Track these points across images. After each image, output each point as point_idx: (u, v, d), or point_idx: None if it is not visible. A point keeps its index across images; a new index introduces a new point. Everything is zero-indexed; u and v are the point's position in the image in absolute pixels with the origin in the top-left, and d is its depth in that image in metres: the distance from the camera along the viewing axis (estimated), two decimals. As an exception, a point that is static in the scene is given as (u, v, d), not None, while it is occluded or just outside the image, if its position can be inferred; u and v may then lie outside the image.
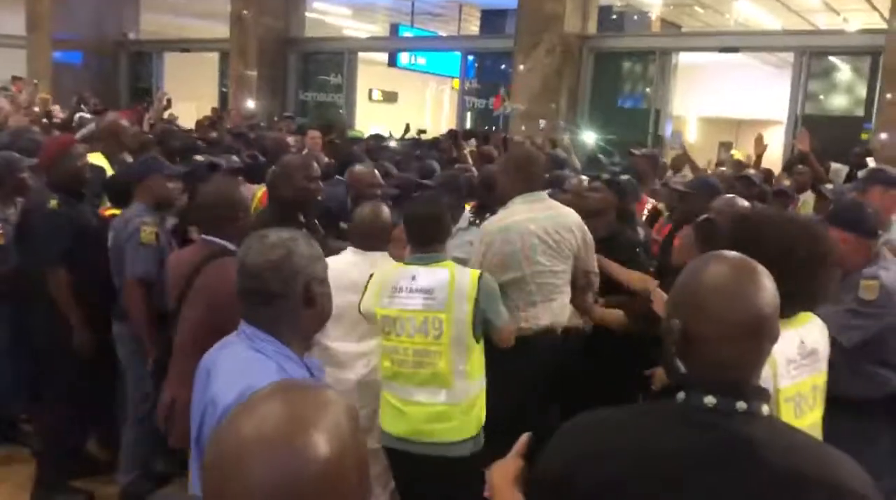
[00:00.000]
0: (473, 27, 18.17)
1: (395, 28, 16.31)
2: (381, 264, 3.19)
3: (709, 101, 19.22)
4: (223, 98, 15.16)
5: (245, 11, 14.06)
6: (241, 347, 1.80)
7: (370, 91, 19.67)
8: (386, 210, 3.39)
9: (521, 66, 11.38)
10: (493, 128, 12.04)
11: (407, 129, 13.64)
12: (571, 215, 3.55)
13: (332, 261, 3.35)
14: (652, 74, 11.48)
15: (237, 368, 1.75)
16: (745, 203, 3.55)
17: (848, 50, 9.99)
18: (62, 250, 3.75)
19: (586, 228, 3.54)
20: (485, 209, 4.07)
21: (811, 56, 10.13)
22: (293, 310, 1.79)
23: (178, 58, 16.66)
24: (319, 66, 14.83)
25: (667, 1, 15.39)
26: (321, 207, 4.28)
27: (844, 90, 10.06)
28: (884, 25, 13.71)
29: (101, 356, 3.84)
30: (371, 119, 16.86)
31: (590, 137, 9.80)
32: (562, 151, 8.29)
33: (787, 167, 9.80)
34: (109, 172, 5.02)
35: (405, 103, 22.71)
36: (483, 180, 4.37)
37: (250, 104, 13.87)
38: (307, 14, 15.38)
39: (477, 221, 4.03)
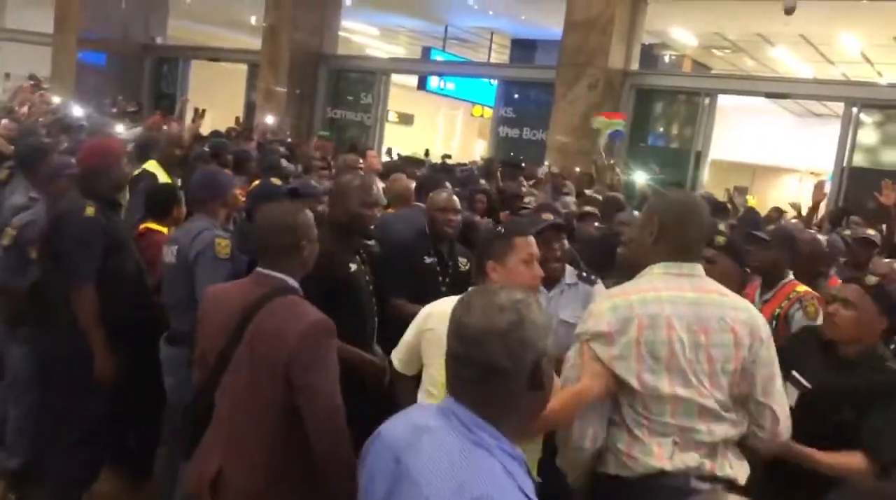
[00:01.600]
0: (502, 56, 18.11)
1: (426, 51, 16.21)
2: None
3: (723, 144, 19.22)
4: (249, 110, 14.96)
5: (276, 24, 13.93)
6: (452, 435, 1.43)
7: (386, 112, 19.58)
8: None
9: (561, 99, 11.23)
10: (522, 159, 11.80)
11: (426, 154, 13.52)
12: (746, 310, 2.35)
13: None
14: (692, 116, 11.34)
15: (454, 466, 1.38)
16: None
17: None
18: (96, 265, 3.36)
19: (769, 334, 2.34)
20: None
21: (861, 107, 9.98)
22: (515, 391, 1.44)
23: (203, 67, 16.50)
24: (349, 85, 14.66)
25: (702, 43, 15.31)
26: (398, 238, 4.06)
27: (893, 143, 9.92)
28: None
29: (131, 387, 3.48)
30: (387, 141, 16.78)
31: (640, 177, 9.58)
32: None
33: (833, 220, 9.65)
34: (163, 180, 4.81)
35: (419, 126, 22.73)
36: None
37: (274, 119, 13.67)
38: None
39: (593, 278, 3.44)
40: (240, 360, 2.30)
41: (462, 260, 3.95)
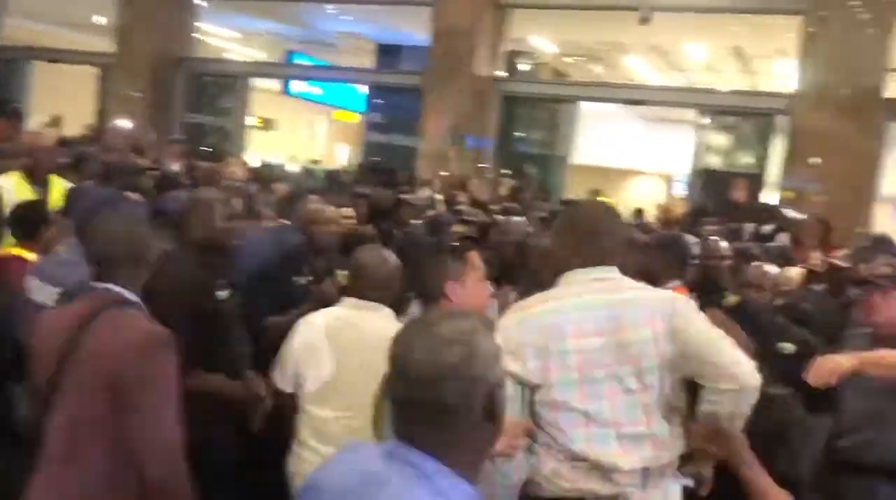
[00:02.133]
0: (366, 60, 17.98)
1: (289, 55, 15.85)
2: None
3: (578, 148, 20.00)
4: (102, 116, 14.09)
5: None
6: (410, 486, 1.29)
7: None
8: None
9: (431, 105, 11.30)
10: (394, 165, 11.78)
11: (292, 159, 13.29)
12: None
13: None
14: (557, 121, 11.69)
15: None
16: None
17: (750, 111, 10.54)
18: None
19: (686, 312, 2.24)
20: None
21: (714, 113, 10.63)
22: (470, 428, 1.32)
23: (48, 70, 15.39)
24: (209, 89, 14.11)
25: (563, 51, 15.82)
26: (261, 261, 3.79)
27: (743, 148, 10.61)
28: (766, 89, 14.88)
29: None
30: (249, 147, 16.30)
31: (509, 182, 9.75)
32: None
33: (694, 217, 10.21)
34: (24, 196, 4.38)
35: (281, 131, 22.24)
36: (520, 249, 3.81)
37: (129, 125, 12.95)
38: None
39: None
40: (69, 385, 2.05)
41: (341, 273, 3.66)
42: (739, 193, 8.01)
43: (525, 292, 2.80)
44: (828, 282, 4.78)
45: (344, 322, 2.79)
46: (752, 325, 2.67)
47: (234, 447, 2.90)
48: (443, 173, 10.55)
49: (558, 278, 2.32)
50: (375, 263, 2.86)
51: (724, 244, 4.75)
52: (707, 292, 4.05)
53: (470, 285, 2.44)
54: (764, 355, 2.66)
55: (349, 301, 2.84)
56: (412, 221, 5.25)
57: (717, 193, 9.85)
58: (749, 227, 8.02)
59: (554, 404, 2.17)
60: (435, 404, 1.29)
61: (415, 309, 3.26)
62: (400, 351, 1.34)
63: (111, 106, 13.65)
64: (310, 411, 2.79)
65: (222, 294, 2.97)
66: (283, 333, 3.08)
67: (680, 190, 23.14)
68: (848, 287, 5.09)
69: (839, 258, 5.08)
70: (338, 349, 2.73)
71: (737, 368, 2.12)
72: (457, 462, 1.32)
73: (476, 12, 11.07)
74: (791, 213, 7.93)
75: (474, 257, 2.47)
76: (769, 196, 10.47)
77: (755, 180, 10.24)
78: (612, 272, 2.30)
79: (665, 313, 2.18)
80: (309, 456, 2.73)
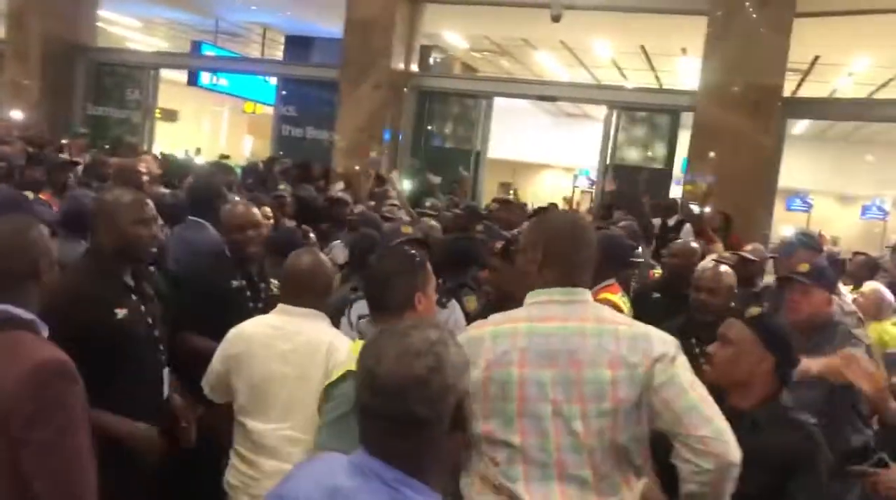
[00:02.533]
0: (276, 52, 17.67)
1: (196, 45, 15.40)
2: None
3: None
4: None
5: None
6: (379, 499, 1.30)
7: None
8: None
9: (347, 98, 11.22)
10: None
11: (198, 152, 12.92)
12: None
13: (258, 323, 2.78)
14: (472, 117, 11.81)
15: None
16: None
17: (656, 107, 10.92)
18: None
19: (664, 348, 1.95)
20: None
21: (621, 110, 10.95)
22: (438, 439, 1.33)
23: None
24: (113, 80, 13.56)
25: (473, 46, 15.96)
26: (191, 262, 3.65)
27: (648, 143, 10.98)
28: (671, 86, 15.44)
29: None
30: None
31: (432, 177, 9.77)
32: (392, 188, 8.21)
33: (602, 214, 10.52)
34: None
35: (183, 123, 21.61)
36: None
37: (22, 115, 12.35)
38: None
39: (444, 301, 3.35)
40: None
41: (274, 281, 3.45)
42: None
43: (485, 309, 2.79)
44: (739, 275, 5.02)
45: (277, 330, 2.66)
46: (774, 340, 2.36)
47: (141, 493, 2.60)
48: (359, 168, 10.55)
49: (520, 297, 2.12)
50: (311, 268, 2.73)
51: (694, 244, 4.85)
52: (674, 294, 4.16)
53: (430, 295, 2.39)
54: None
55: (282, 308, 2.71)
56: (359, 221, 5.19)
57: (623, 187, 10.19)
58: (656, 221, 8.35)
59: (490, 437, 1.94)
60: (404, 415, 1.29)
61: (354, 313, 3.26)
62: (369, 362, 1.33)
63: (3, 94, 12.94)
64: (244, 423, 2.67)
65: (123, 312, 2.56)
66: (195, 351, 2.98)
67: (585, 184, 23.86)
68: (757, 279, 5.39)
69: (748, 252, 5.33)
70: (270, 358, 2.61)
71: (719, 442, 1.85)
72: (425, 473, 1.32)
73: (390, 5, 11.04)
74: (694, 207, 8.29)
75: (429, 266, 2.45)
76: (674, 191, 10.92)
77: (662, 175, 10.65)
78: (578, 295, 2.03)
79: (639, 357, 1.89)
80: (248, 470, 2.65)
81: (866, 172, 20.53)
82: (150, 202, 2.77)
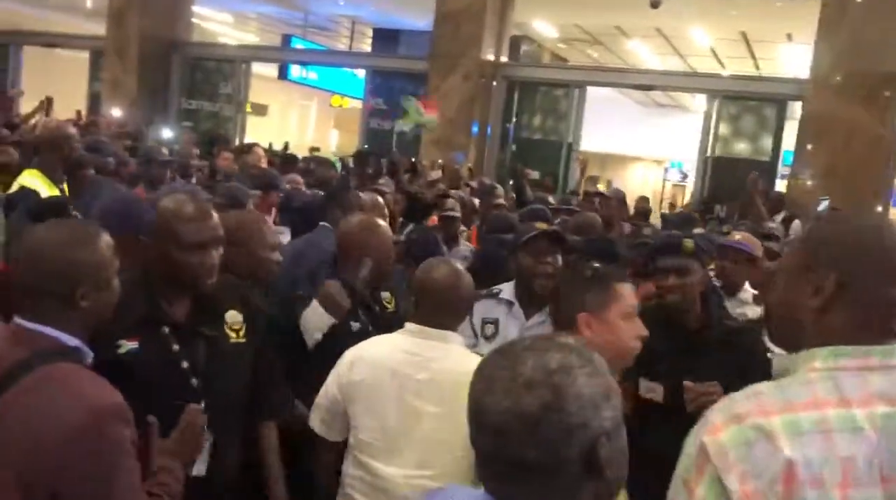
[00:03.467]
0: (364, 45, 17.71)
1: (287, 39, 15.54)
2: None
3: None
4: (94, 102, 13.78)
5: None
6: None
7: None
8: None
9: (435, 91, 11.07)
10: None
11: (286, 147, 12.95)
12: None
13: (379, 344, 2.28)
14: (563, 108, 11.48)
15: None
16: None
17: (760, 96, 10.36)
18: None
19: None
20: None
21: (722, 99, 10.44)
22: (565, 485, 1.09)
23: (34, 55, 15.04)
24: (206, 74, 13.81)
25: (563, 36, 15.60)
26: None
27: (752, 135, 10.43)
28: (770, 75, 14.72)
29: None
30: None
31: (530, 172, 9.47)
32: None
33: (703, 205, 10.06)
34: (49, 193, 4.01)
35: (272, 117, 21.95)
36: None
37: (121, 111, 12.66)
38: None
39: None
40: None
41: (385, 295, 2.87)
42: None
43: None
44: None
45: (410, 356, 2.20)
46: None
47: None
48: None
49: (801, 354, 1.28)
50: (452, 282, 2.25)
51: None
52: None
53: (611, 321, 1.98)
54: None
55: (414, 328, 2.24)
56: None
57: (724, 181, 9.71)
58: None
59: None
60: (516, 458, 1.07)
61: (477, 316, 2.77)
62: (475, 394, 1.13)
63: (103, 91, 13.34)
64: (369, 467, 2.19)
65: (128, 346, 1.97)
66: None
67: (676, 176, 23.09)
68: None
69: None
70: (403, 389, 2.17)
71: None
72: None
73: (480, -4, 10.85)
74: (824, 202, 7.79)
75: (623, 288, 2.03)
76: (779, 185, 10.35)
77: (766, 168, 10.09)
78: None
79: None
80: None
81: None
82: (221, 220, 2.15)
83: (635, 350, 2.03)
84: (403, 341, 2.23)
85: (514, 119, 11.66)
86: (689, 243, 2.69)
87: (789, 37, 12.72)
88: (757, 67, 16.31)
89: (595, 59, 17.54)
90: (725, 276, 3.59)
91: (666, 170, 24.04)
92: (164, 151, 6.12)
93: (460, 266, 2.37)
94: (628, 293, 2.03)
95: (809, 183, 8.94)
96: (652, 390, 2.54)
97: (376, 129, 12.52)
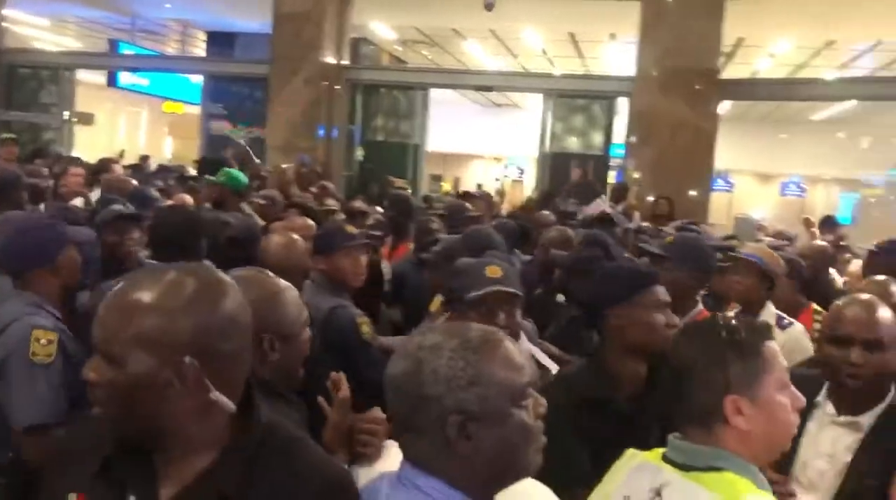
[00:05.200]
0: (197, 48, 17.11)
1: (114, 44, 14.73)
2: None
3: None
4: None
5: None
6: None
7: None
8: None
9: (277, 95, 10.91)
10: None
11: (121, 155, 12.34)
12: None
13: None
14: (410, 109, 11.64)
15: None
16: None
17: (592, 94, 10.96)
18: None
19: None
20: None
21: (556, 98, 10.95)
22: (436, 450, 1.22)
23: None
24: (23, 83, 12.86)
25: (400, 37, 15.78)
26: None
27: (583, 131, 11.02)
28: (596, 73, 15.56)
29: None
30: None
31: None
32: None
33: (542, 203, 10.51)
34: None
35: (100, 125, 20.77)
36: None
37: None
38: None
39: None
40: None
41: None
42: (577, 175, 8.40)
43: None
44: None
45: None
46: None
47: None
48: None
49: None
50: None
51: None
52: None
53: (763, 401, 1.41)
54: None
55: None
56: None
57: (560, 176, 10.20)
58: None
59: None
60: (395, 416, 1.27)
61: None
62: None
63: None
64: None
65: None
66: None
67: (514, 173, 23.96)
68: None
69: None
70: None
71: None
72: (446, 477, 1.22)
73: (319, -1, 10.80)
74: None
75: (771, 352, 1.46)
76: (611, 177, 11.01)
77: (599, 162, 10.70)
78: None
79: None
80: None
81: (782, 150, 21.22)
82: None
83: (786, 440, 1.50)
84: None
85: (359, 121, 11.70)
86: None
87: (612, 36, 13.52)
88: (585, 66, 17.21)
89: (432, 61, 17.87)
90: (738, 293, 3.20)
91: (505, 166, 24.93)
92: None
93: None
94: (778, 359, 1.47)
95: (638, 175, 9.57)
96: None
97: (215, 135, 12.17)
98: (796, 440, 1.91)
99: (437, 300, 2.84)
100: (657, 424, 1.82)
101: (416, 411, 1.20)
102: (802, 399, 1.46)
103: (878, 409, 1.97)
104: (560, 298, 3.51)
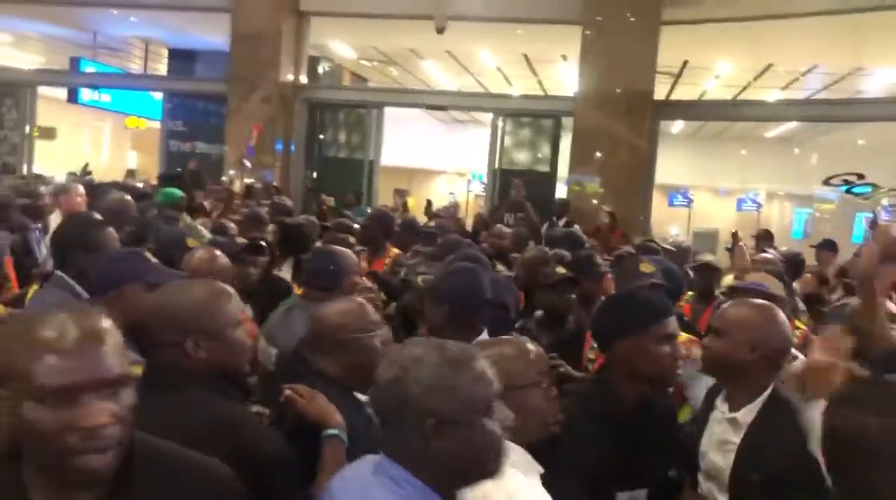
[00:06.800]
0: (159, 66, 17.28)
1: (75, 61, 14.89)
2: None
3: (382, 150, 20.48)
4: None
5: None
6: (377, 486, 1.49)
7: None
8: None
9: (235, 113, 11.20)
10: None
11: (86, 168, 12.50)
12: None
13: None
14: (364, 126, 11.99)
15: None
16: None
17: (539, 113, 11.40)
18: None
19: None
20: None
21: (506, 116, 11.38)
22: (411, 445, 1.47)
23: None
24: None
25: (360, 56, 16.11)
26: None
27: (533, 148, 11.45)
28: (552, 92, 16.01)
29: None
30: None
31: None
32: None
33: (496, 218, 10.87)
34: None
35: (62, 140, 20.80)
36: None
37: None
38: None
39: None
40: None
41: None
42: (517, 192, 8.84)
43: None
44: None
45: None
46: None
47: None
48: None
49: None
50: None
51: None
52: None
53: None
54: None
55: None
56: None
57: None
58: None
59: None
60: (379, 414, 1.53)
61: None
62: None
63: None
64: None
65: None
66: None
67: (478, 188, 24.33)
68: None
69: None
70: None
71: None
72: (415, 470, 1.46)
73: (276, 18, 11.11)
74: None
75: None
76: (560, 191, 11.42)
77: (547, 177, 11.13)
78: None
79: None
80: None
81: (737, 167, 21.87)
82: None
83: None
84: None
85: (318, 138, 12.02)
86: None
87: (564, 57, 13.98)
88: (541, 85, 17.66)
89: (394, 79, 18.22)
90: None
91: (469, 181, 25.32)
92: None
93: None
94: None
95: (592, 189, 9.99)
96: None
97: (175, 152, 12.42)
98: (700, 432, 2.26)
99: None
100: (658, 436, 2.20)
101: (397, 411, 1.45)
102: None
103: (756, 404, 2.13)
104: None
